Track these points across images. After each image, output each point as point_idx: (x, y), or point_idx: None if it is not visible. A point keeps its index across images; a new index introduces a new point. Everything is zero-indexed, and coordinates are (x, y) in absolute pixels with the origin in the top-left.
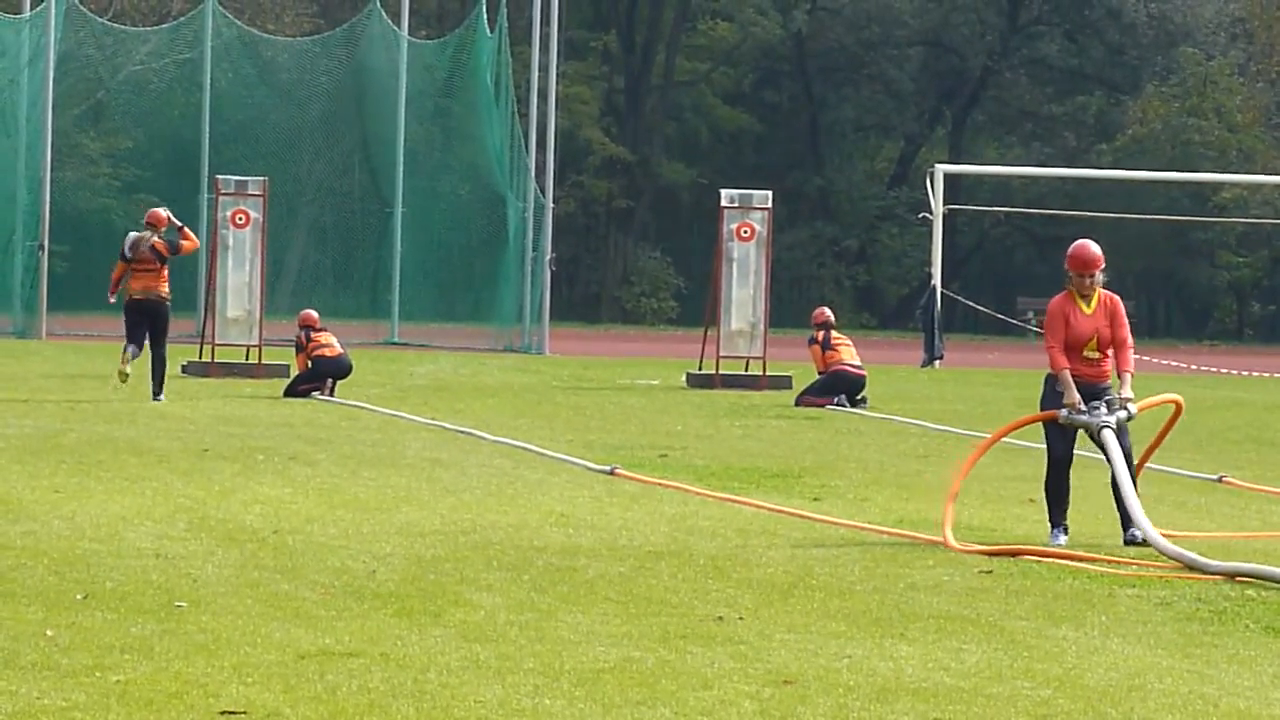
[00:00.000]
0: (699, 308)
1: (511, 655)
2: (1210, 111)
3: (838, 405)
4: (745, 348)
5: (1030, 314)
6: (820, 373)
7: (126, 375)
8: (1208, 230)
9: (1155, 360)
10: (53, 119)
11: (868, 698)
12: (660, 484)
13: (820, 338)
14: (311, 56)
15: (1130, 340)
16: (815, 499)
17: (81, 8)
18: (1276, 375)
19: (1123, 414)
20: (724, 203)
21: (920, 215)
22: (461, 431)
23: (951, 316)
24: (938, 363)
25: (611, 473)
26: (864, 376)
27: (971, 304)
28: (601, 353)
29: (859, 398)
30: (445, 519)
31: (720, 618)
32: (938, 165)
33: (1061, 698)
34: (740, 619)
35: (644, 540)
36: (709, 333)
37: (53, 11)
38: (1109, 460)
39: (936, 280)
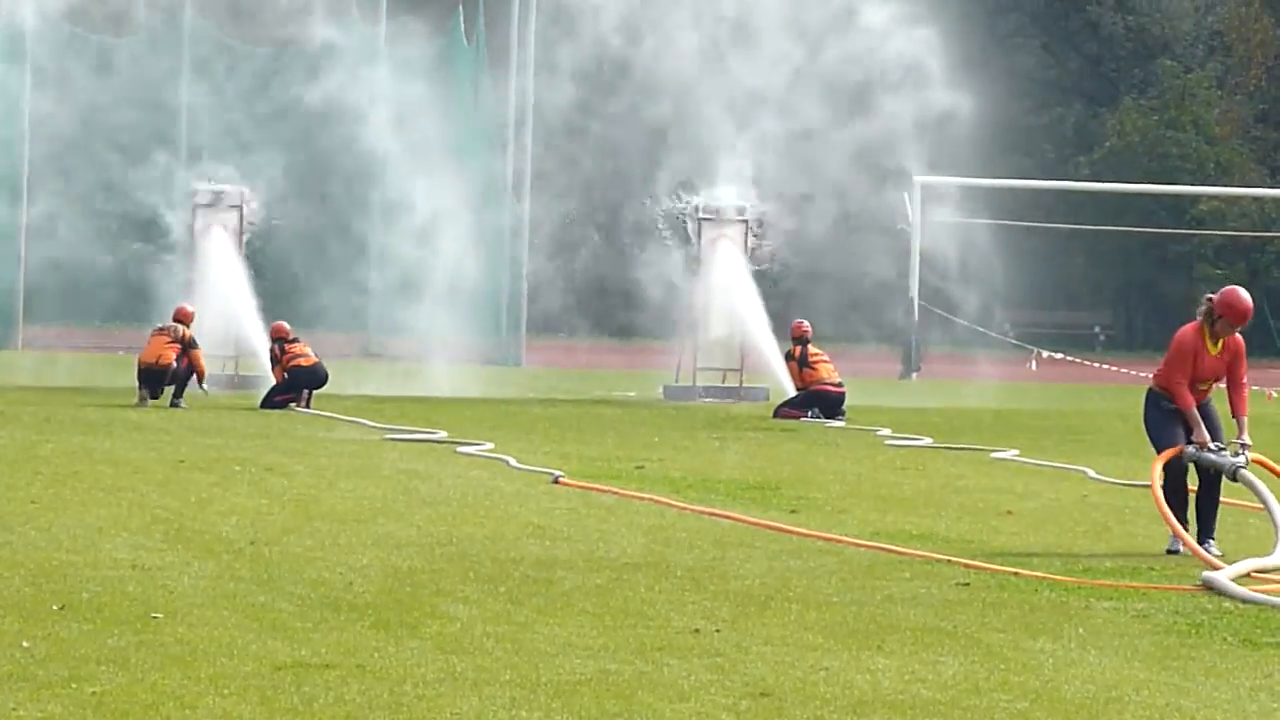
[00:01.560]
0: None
1: (488, 667)
2: (1188, 124)
3: (814, 418)
4: (723, 360)
5: (1008, 326)
6: (798, 389)
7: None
8: (1186, 242)
9: (1133, 372)
10: (30, 129)
11: (844, 710)
12: (600, 490)
13: (798, 354)
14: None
15: (1245, 380)
16: (793, 511)
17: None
18: (1254, 387)
19: (1241, 459)
20: (701, 215)
21: (899, 226)
22: (438, 442)
23: (929, 328)
24: (915, 374)
25: (555, 481)
26: (843, 394)
27: (949, 316)
28: (578, 365)
29: (838, 413)
30: (422, 530)
31: (697, 630)
32: (915, 176)
33: (1039, 710)
34: (717, 631)
35: (621, 552)
36: (686, 345)
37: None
38: (1260, 495)
39: (914, 292)
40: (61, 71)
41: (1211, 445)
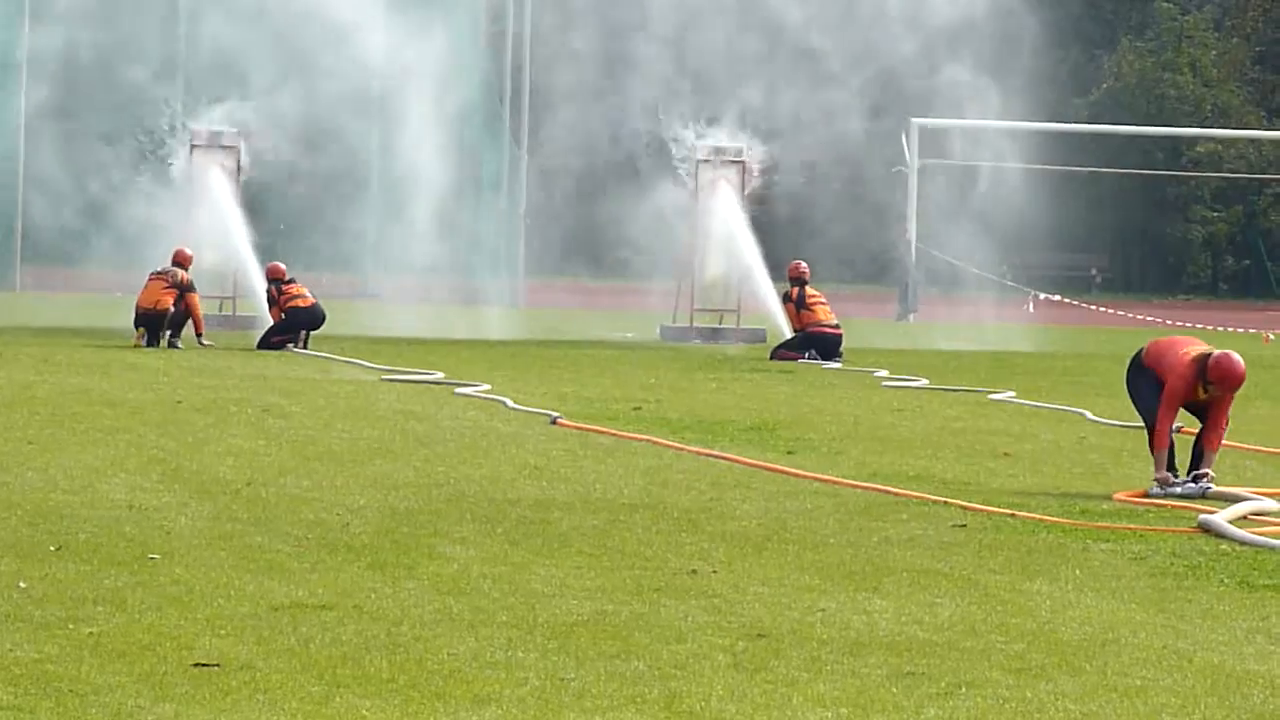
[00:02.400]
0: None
1: (485, 608)
2: (1186, 66)
3: (811, 359)
4: (720, 301)
5: (1005, 268)
6: (796, 330)
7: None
8: (1182, 185)
9: (1130, 315)
10: (27, 70)
11: (841, 651)
12: (597, 431)
13: (795, 295)
14: None
15: (1226, 426)
16: (789, 452)
17: None
18: (1250, 330)
19: (1207, 485)
20: (700, 155)
21: (895, 168)
22: (436, 383)
23: (926, 270)
24: (912, 316)
25: (553, 422)
26: (840, 335)
27: (946, 258)
28: (576, 305)
29: (835, 355)
30: (419, 471)
31: (694, 571)
32: (912, 119)
33: (1035, 652)
34: (714, 572)
35: (618, 493)
36: (682, 286)
37: None
38: (1236, 498)
39: (911, 234)
40: (58, 10)
41: (1175, 481)
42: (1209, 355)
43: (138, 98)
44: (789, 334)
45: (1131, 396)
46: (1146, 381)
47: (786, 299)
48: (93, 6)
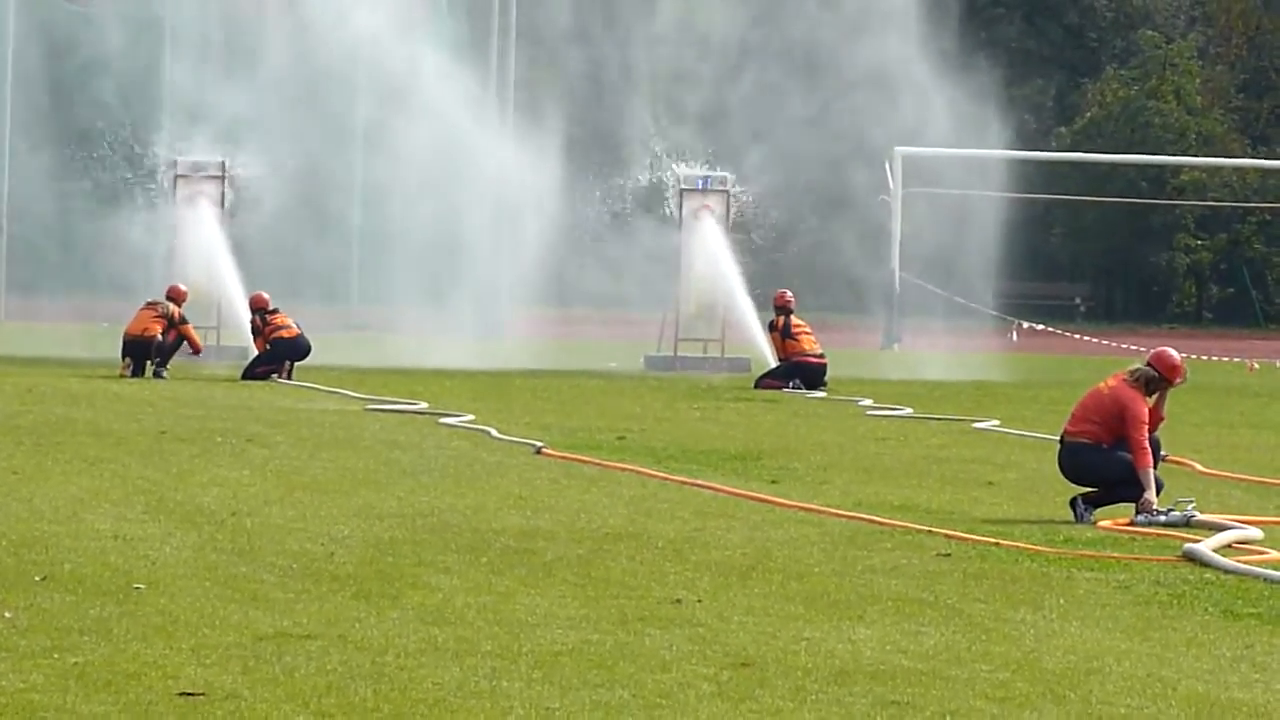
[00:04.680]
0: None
1: (469, 638)
2: (1169, 94)
3: (795, 389)
4: (704, 331)
5: (989, 297)
6: (780, 359)
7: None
8: (1166, 213)
9: (1114, 344)
10: (12, 98)
11: (826, 680)
12: (582, 460)
13: (780, 324)
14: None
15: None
16: (774, 481)
17: None
18: (1236, 359)
19: (1191, 513)
20: (683, 185)
21: (880, 198)
22: (420, 413)
23: (910, 299)
24: (897, 345)
25: (537, 452)
26: (825, 365)
27: (930, 287)
28: (559, 335)
29: (819, 384)
30: (403, 501)
31: (678, 600)
32: (896, 148)
33: (1020, 680)
34: (698, 601)
35: (602, 522)
36: (667, 316)
37: None
38: (1220, 527)
39: (895, 263)
40: (42, 36)
41: (1156, 509)
42: (1135, 368)
43: (121, 127)
44: (774, 363)
45: (1099, 476)
46: (1100, 453)
47: (772, 328)
48: (78, 33)
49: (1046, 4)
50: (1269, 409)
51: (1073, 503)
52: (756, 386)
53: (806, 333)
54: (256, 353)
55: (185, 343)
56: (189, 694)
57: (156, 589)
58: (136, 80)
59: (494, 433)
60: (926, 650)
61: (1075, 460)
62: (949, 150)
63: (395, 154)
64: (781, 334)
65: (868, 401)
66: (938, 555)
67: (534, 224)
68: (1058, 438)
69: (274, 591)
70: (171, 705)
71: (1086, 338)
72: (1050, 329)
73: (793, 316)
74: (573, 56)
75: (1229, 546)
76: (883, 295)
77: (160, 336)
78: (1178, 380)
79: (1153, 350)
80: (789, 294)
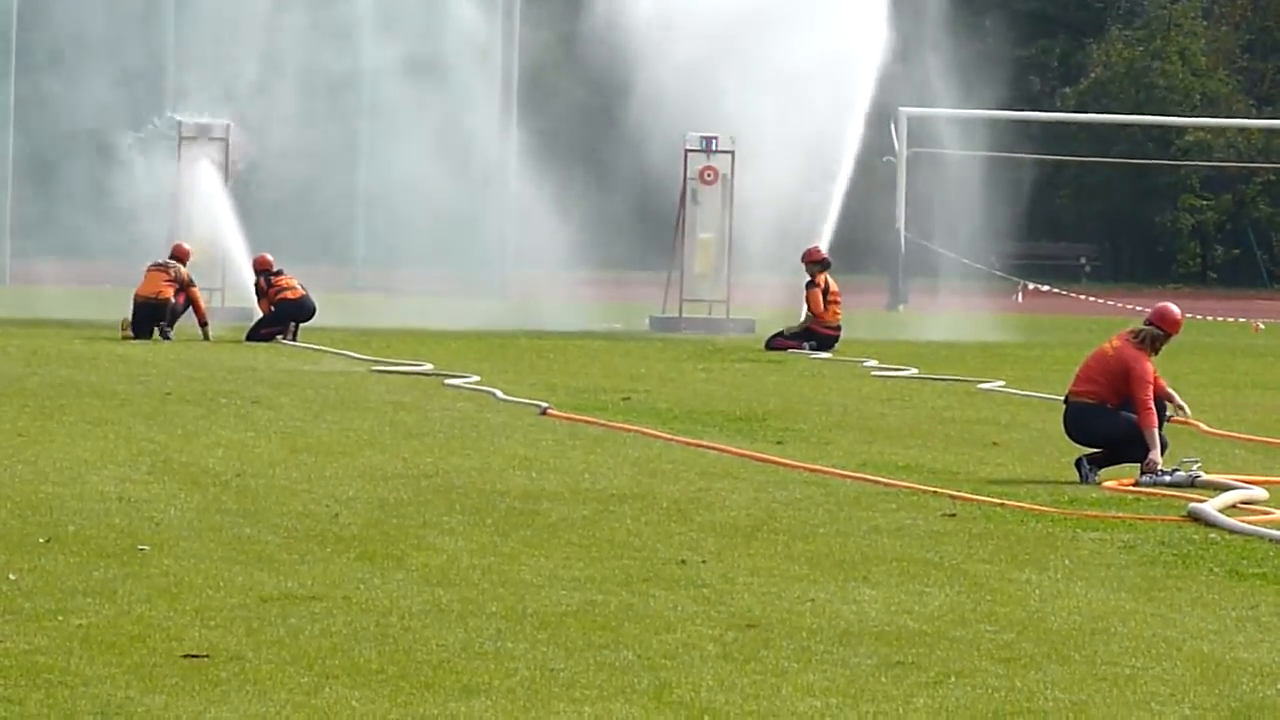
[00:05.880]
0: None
1: (474, 599)
2: (1174, 54)
3: (810, 349)
4: (708, 291)
5: (994, 258)
6: (811, 314)
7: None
8: (1171, 174)
9: (1119, 304)
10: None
11: (830, 641)
12: (587, 421)
13: (822, 282)
14: None
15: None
16: (779, 442)
17: None
18: (1240, 319)
19: (1196, 473)
20: (687, 145)
21: (885, 158)
22: (425, 374)
23: (916, 260)
24: (902, 306)
25: (542, 413)
26: (839, 335)
27: (935, 247)
28: (564, 296)
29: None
30: (408, 462)
31: (683, 561)
32: (901, 108)
33: (1025, 641)
34: (703, 562)
35: (607, 484)
36: (672, 276)
37: None
38: (1225, 487)
39: (900, 224)
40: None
41: (1160, 469)
42: (1138, 328)
43: (127, 88)
44: (803, 319)
45: (1104, 437)
46: (1105, 413)
47: (811, 285)
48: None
49: None
50: (1274, 369)
51: (1078, 463)
52: (768, 347)
53: (837, 303)
54: (260, 314)
55: (191, 309)
56: (193, 656)
57: (161, 551)
58: (141, 41)
59: (499, 394)
60: (931, 611)
61: (1080, 421)
62: (954, 110)
63: (397, 117)
64: (823, 292)
65: (873, 362)
66: (942, 516)
67: (537, 185)
68: (1062, 398)
69: (279, 553)
70: (176, 667)
71: (1091, 298)
72: (1055, 289)
73: (830, 278)
74: None
75: (1234, 506)
76: (888, 256)
77: (172, 299)
78: (1167, 327)
79: (1153, 308)
80: (823, 248)
